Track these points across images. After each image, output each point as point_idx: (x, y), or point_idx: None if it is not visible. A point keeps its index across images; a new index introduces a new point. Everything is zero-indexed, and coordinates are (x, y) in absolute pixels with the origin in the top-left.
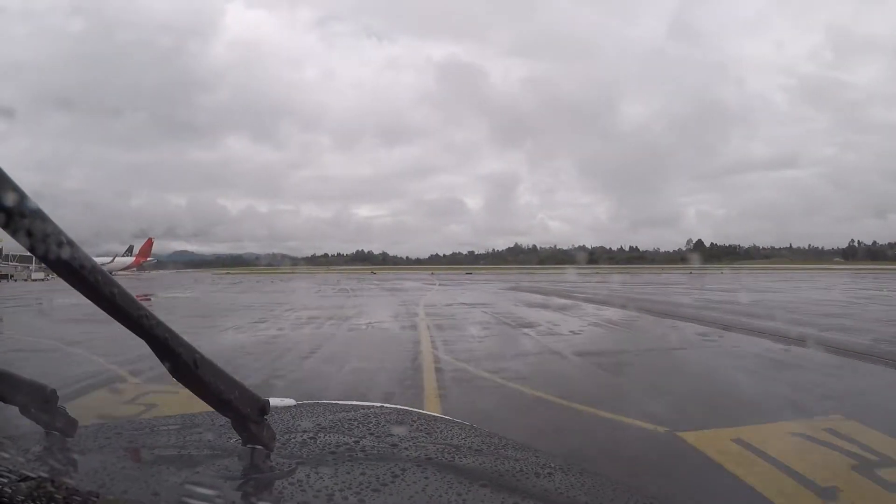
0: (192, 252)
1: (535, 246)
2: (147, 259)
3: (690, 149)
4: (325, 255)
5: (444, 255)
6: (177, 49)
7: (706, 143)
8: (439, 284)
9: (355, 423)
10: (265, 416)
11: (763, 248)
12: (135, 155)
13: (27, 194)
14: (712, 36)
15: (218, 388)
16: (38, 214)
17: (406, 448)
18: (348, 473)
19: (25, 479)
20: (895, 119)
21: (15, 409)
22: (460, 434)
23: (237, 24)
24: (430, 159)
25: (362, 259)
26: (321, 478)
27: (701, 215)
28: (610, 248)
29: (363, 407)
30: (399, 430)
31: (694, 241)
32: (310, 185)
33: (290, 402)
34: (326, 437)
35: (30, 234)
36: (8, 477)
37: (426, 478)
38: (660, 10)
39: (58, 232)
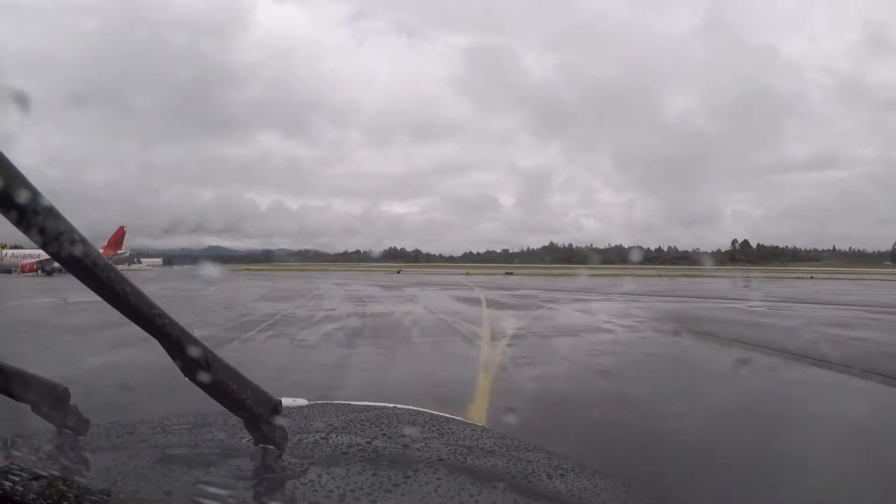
0: (224, 247)
1: (570, 245)
2: (118, 252)
3: (729, 147)
4: (357, 252)
5: (477, 254)
6: (208, 45)
7: (745, 142)
8: (486, 305)
9: (367, 424)
10: (277, 416)
11: (805, 251)
12: (165, 150)
13: (40, 191)
14: (750, 31)
15: (230, 387)
16: (51, 212)
17: (418, 449)
18: (360, 474)
19: (38, 477)
20: None
21: (27, 408)
22: (472, 435)
23: (269, 19)
24: (463, 156)
25: (394, 256)
26: (333, 478)
27: (740, 215)
28: (648, 248)
29: (375, 407)
30: (411, 431)
31: (739, 242)
32: (341, 182)
33: (303, 402)
34: (338, 438)
35: (42, 231)
36: (20, 475)
37: (438, 479)
38: (699, 4)
39: (70, 229)
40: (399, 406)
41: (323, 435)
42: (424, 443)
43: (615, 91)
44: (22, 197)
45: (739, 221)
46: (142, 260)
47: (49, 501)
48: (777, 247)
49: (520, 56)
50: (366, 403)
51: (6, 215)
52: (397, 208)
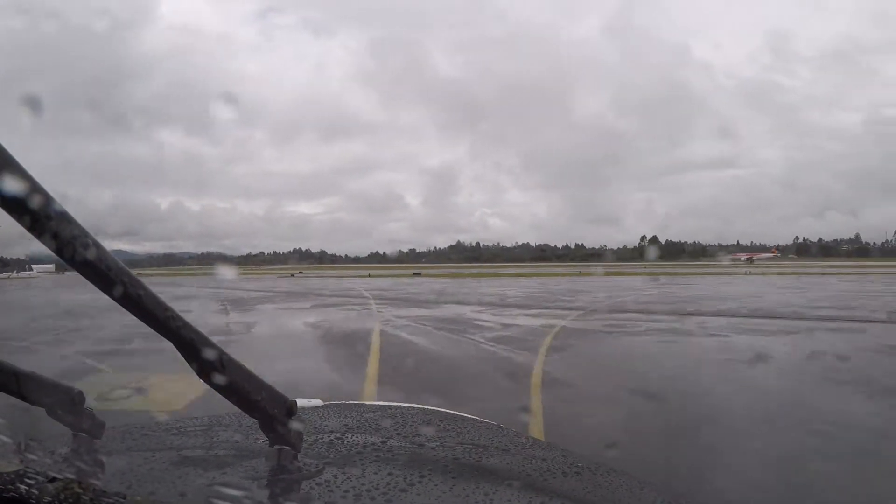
0: (126, 251)
1: (477, 243)
2: None
3: (635, 146)
4: (262, 254)
5: (384, 254)
6: (106, 36)
7: (651, 142)
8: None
9: (382, 424)
10: (292, 417)
11: (711, 246)
12: (59, 148)
13: (53, 196)
14: (657, 36)
15: (245, 388)
16: (64, 217)
17: (433, 448)
18: (375, 474)
19: (53, 480)
20: (831, 122)
21: (42, 411)
22: (487, 434)
23: (173, 12)
24: (370, 155)
25: (300, 257)
26: (348, 478)
27: (646, 212)
28: (555, 246)
29: (390, 407)
30: (426, 431)
31: (648, 238)
32: (247, 181)
33: (318, 402)
34: (353, 438)
35: (56, 236)
36: (36, 478)
37: (453, 478)
38: (609, 8)
39: (84, 234)
40: (414, 405)
41: (338, 435)
42: (439, 442)
43: (523, 91)
44: (35, 202)
45: (645, 219)
46: (32, 266)
47: None
48: (684, 243)
49: (429, 55)
50: (380, 403)
51: (20, 221)
52: (304, 208)
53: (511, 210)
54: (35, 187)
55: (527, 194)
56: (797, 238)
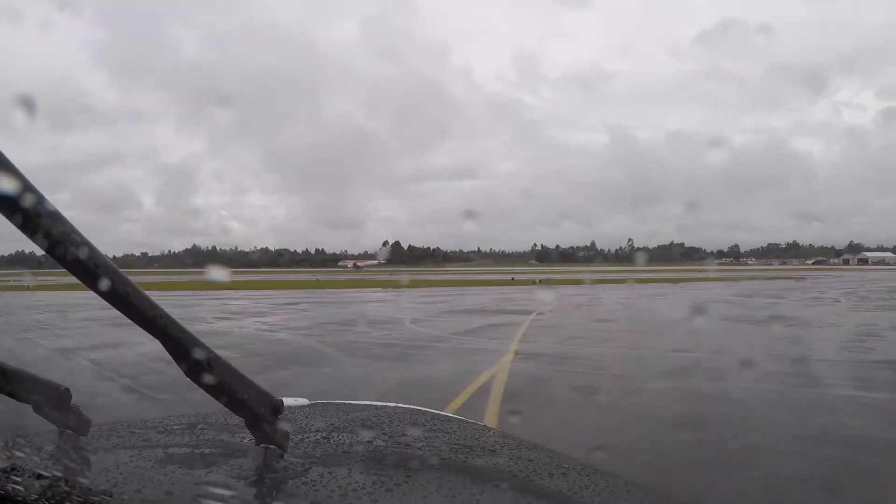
0: None
1: (214, 247)
2: None
3: (379, 153)
4: None
5: (115, 257)
6: None
7: (395, 149)
8: None
9: (368, 423)
10: (279, 416)
11: (453, 252)
12: None
13: (44, 195)
14: (408, 50)
15: (232, 387)
16: (55, 215)
17: (420, 448)
18: (362, 474)
19: (39, 477)
20: (570, 139)
21: (29, 408)
22: (474, 434)
23: None
24: (104, 149)
25: (20, 261)
26: (335, 478)
27: (389, 218)
28: (295, 251)
29: (377, 407)
30: (412, 431)
31: (392, 244)
32: None
33: (304, 401)
34: (340, 437)
35: (47, 235)
36: (22, 476)
37: (440, 478)
38: (365, 13)
39: (74, 232)
40: (400, 405)
41: (324, 434)
42: (426, 442)
43: (271, 88)
44: (27, 201)
45: (388, 224)
46: None
47: (51, 502)
48: (428, 248)
49: (174, 49)
50: (367, 403)
51: (11, 219)
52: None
53: (251, 212)
54: (27, 186)
55: (268, 196)
56: (535, 245)
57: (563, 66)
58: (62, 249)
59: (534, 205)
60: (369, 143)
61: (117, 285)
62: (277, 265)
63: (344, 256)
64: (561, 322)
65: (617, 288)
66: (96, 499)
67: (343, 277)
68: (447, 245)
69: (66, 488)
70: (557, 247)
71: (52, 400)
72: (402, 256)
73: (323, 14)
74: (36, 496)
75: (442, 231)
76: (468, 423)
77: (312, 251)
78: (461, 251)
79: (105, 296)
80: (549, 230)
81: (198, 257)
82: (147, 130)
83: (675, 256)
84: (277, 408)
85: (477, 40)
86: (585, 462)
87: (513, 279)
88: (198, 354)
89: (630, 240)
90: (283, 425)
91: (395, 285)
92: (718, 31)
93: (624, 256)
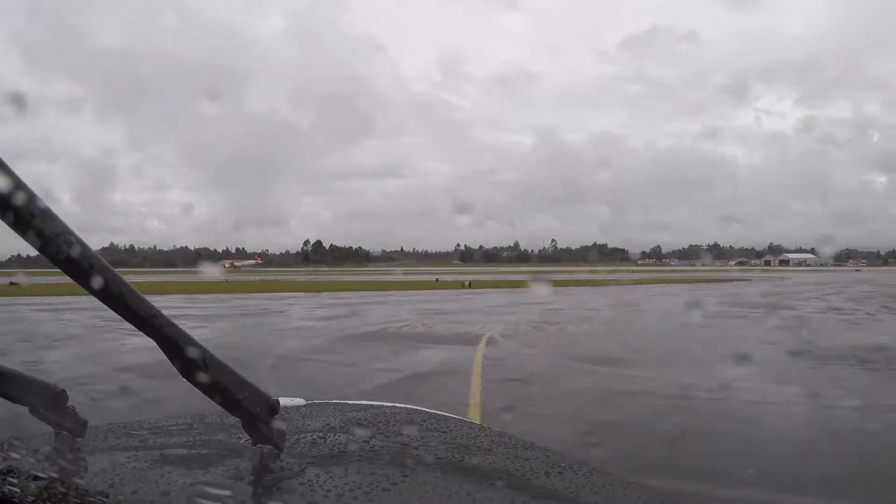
0: None
1: (132, 246)
2: None
3: (301, 151)
4: None
5: (28, 257)
6: None
7: (317, 147)
8: None
9: (365, 423)
10: (275, 416)
11: (376, 252)
12: None
13: (36, 194)
14: (335, 43)
15: (228, 387)
16: (48, 214)
17: (416, 447)
18: (358, 473)
19: (36, 479)
20: (494, 139)
21: (25, 410)
22: (470, 433)
23: None
24: (14, 141)
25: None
26: (331, 477)
27: (311, 217)
28: (215, 250)
29: (373, 406)
30: (409, 430)
31: (312, 243)
32: None
33: (300, 401)
34: (336, 437)
35: (39, 234)
36: (19, 477)
37: (436, 477)
38: (288, 7)
39: (68, 231)
40: (396, 405)
41: (321, 434)
42: (422, 441)
43: (190, 85)
44: (19, 200)
45: (310, 223)
46: None
47: (47, 503)
48: (350, 248)
49: (89, 36)
50: (363, 402)
51: (3, 218)
52: None
53: (172, 210)
54: (19, 185)
55: (190, 193)
56: (458, 245)
57: (490, 67)
58: (54, 248)
59: (458, 205)
60: (293, 139)
61: (111, 285)
62: (195, 264)
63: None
64: (552, 372)
65: (571, 292)
66: (93, 500)
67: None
68: (371, 245)
69: (63, 489)
70: (481, 247)
71: (48, 401)
72: (323, 256)
73: (248, 4)
74: (32, 498)
75: (366, 230)
76: (464, 422)
77: (233, 250)
78: (385, 251)
79: (99, 295)
80: (473, 230)
81: (114, 256)
82: (62, 122)
83: (596, 257)
84: (273, 408)
85: (404, 38)
86: (582, 461)
87: (437, 280)
88: (193, 354)
89: (553, 240)
90: (280, 425)
91: (283, 288)
92: (644, 37)
93: (547, 257)
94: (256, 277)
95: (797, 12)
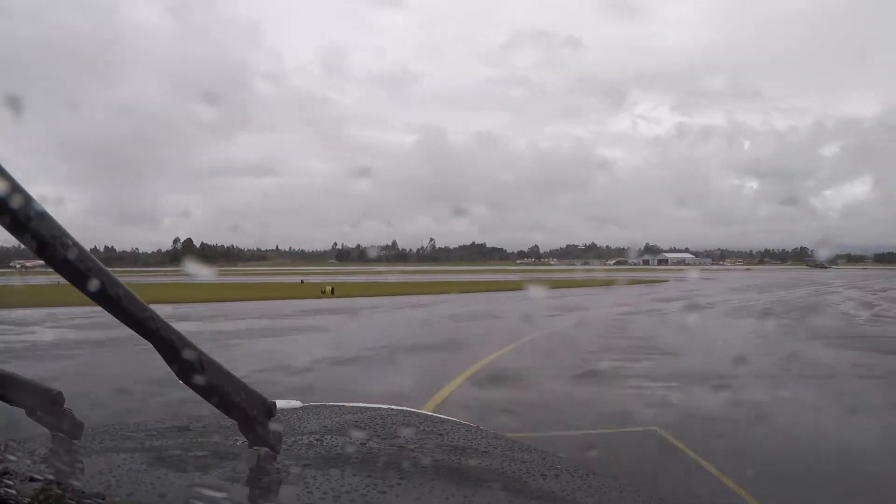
0: None
1: None
2: None
3: (177, 146)
4: None
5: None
6: None
7: (193, 143)
8: None
9: (362, 425)
10: (271, 418)
11: (250, 251)
12: None
13: (32, 196)
14: (213, 34)
15: (224, 389)
16: (44, 217)
17: (412, 450)
18: (355, 475)
19: (32, 480)
20: (374, 138)
21: (21, 412)
22: (467, 436)
23: None
24: None
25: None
26: (328, 480)
27: (183, 215)
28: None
29: (370, 409)
30: (405, 432)
31: (183, 241)
32: None
33: (297, 403)
34: (333, 439)
35: (36, 236)
36: (15, 479)
37: (433, 480)
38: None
39: (64, 234)
40: (393, 407)
41: (317, 437)
42: (419, 444)
43: (56, 70)
44: (15, 202)
45: (185, 220)
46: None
47: None
48: (222, 246)
49: None
50: (360, 405)
51: (0, 221)
52: None
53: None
54: (15, 187)
55: (57, 188)
56: (335, 244)
57: (371, 65)
58: (51, 251)
59: (336, 203)
60: (167, 133)
61: (108, 287)
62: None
63: (134, 255)
64: None
65: (446, 300)
66: (89, 502)
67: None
68: (245, 243)
69: (59, 492)
70: (359, 246)
71: (45, 403)
72: (194, 255)
73: None
74: (29, 500)
75: (242, 229)
76: (461, 424)
77: (101, 249)
78: (259, 250)
79: (95, 297)
80: (350, 229)
81: None
82: None
83: (475, 256)
84: (270, 410)
85: (286, 29)
86: (579, 463)
87: (302, 282)
88: (190, 356)
89: (432, 239)
90: (276, 427)
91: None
92: (527, 41)
93: (425, 256)
94: (47, 280)
95: (676, 25)
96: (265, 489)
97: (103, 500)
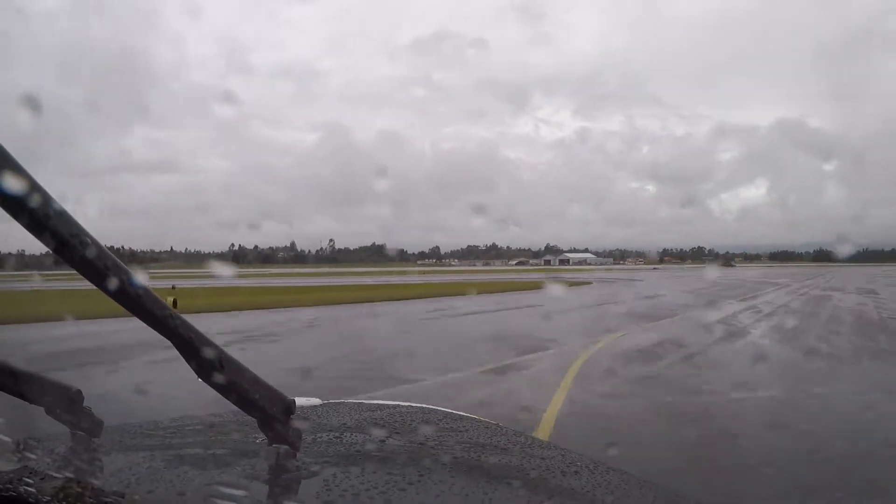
0: None
1: None
2: None
3: (70, 140)
4: None
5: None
6: None
7: (87, 138)
8: None
9: (381, 423)
10: (291, 416)
11: (143, 252)
12: None
13: (51, 195)
14: (108, 16)
15: (243, 387)
16: (63, 215)
17: (432, 447)
18: (374, 473)
19: (51, 479)
20: (275, 136)
21: (41, 410)
22: (486, 433)
23: None
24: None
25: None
26: (347, 477)
27: (78, 214)
28: None
29: (389, 406)
30: (425, 429)
31: None
32: None
33: (316, 401)
34: (352, 437)
35: (55, 235)
36: (35, 477)
37: (452, 477)
38: None
39: (83, 232)
40: (413, 404)
41: (337, 434)
42: (438, 441)
43: None
44: (34, 201)
45: (79, 219)
46: None
47: (63, 503)
48: (112, 247)
49: None
50: (379, 402)
51: (19, 220)
52: None
53: None
54: (34, 186)
55: None
56: (233, 245)
57: (275, 61)
58: (70, 249)
59: (235, 202)
60: (57, 125)
61: (127, 285)
62: None
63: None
64: None
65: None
66: (108, 500)
67: None
68: (139, 244)
69: (79, 490)
70: (256, 247)
71: (64, 401)
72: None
73: None
74: (48, 498)
75: (134, 228)
76: (480, 421)
77: None
78: (152, 251)
79: (114, 296)
80: (249, 230)
81: None
82: None
83: (376, 257)
84: (290, 407)
85: (187, 19)
86: (598, 460)
87: (174, 287)
88: (209, 354)
89: (331, 240)
90: (296, 425)
91: None
92: (432, 41)
93: (324, 257)
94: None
95: (581, 32)
96: (285, 487)
97: (123, 498)
